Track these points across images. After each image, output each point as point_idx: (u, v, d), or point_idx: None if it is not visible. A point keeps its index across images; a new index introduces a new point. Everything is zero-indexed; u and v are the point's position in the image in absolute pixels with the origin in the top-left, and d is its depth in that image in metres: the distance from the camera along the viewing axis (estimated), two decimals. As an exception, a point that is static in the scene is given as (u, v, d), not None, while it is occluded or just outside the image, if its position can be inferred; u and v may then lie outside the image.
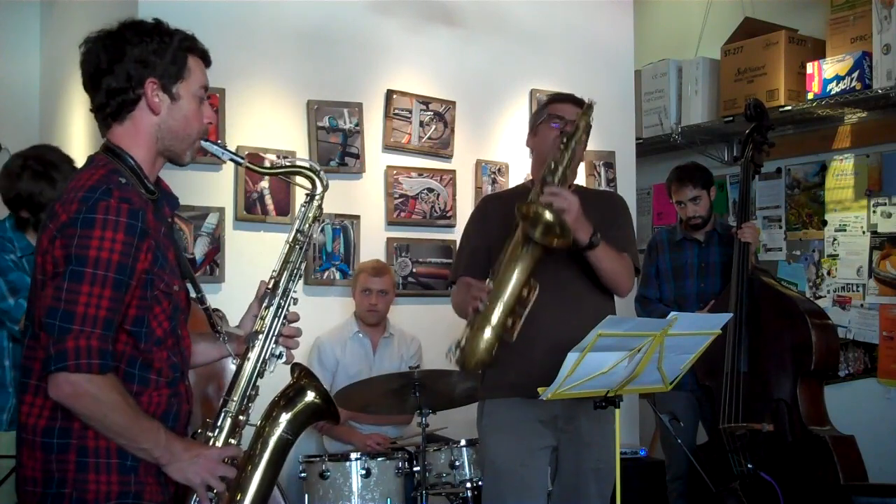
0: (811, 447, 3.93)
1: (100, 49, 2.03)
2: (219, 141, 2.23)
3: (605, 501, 3.11)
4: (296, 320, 2.27)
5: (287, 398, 2.29)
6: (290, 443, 2.25)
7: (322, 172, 2.32)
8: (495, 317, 2.77)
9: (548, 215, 2.73)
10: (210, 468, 2.01)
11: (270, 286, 2.24)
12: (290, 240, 2.28)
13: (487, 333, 2.77)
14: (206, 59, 2.13)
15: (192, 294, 2.22)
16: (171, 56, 2.04)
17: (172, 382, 2.05)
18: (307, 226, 2.28)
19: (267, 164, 4.22)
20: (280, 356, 2.22)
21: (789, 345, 4.05)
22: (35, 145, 3.43)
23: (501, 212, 3.12)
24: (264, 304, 2.23)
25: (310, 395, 2.29)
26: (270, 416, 2.25)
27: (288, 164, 2.28)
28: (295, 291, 2.26)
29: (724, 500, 3.91)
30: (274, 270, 2.26)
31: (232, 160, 2.23)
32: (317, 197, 2.29)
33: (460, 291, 3.11)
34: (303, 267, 2.30)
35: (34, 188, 3.17)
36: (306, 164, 2.33)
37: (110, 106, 2.04)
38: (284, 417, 2.25)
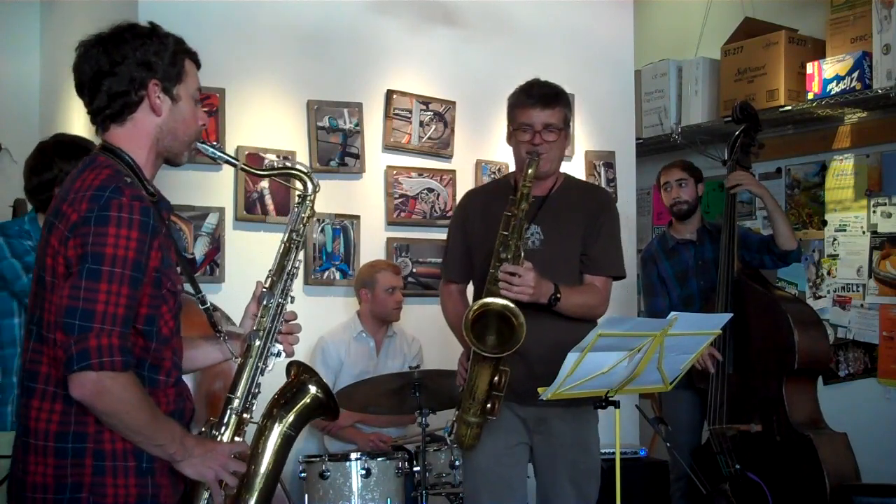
0: (797, 447, 3.93)
1: (100, 52, 2.03)
2: (215, 143, 2.26)
3: (588, 501, 3.11)
4: (293, 319, 2.30)
5: (287, 395, 2.33)
6: (292, 438, 2.31)
7: (312, 174, 2.39)
8: (473, 414, 2.93)
9: (498, 305, 2.81)
10: (222, 463, 2.04)
11: (267, 286, 2.27)
12: (285, 240, 2.32)
13: (470, 425, 2.96)
14: (197, 62, 2.16)
15: (193, 294, 2.23)
16: (169, 58, 2.06)
17: (177, 382, 2.07)
18: (301, 226, 2.33)
19: (266, 163, 4.25)
20: (278, 354, 2.25)
21: (773, 345, 4.04)
22: (60, 133, 3.43)
23: (481, 209, 3.17)
24: (263, 304, 2.25)
25: (311, 391, 2.35)
26: (272, 414, 2.30)
27: (281, 166, 2.34)
28: (292, 290, 2.30)
29: (714, 501, 3.91)
30: (270, 270, 2.29)
31: (227, 162, 2.29)
32: (308, 198, 2.35)
33: (446, 300, 3.29)
34: (299, 266, 2.34)
35: (66, 167, 3.18)
36: (298, 167, 2.40)
37: (111, 108, 2.05)
38: (286, 414, 2.30)
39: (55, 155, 3.16)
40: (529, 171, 2.90)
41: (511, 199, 2.92)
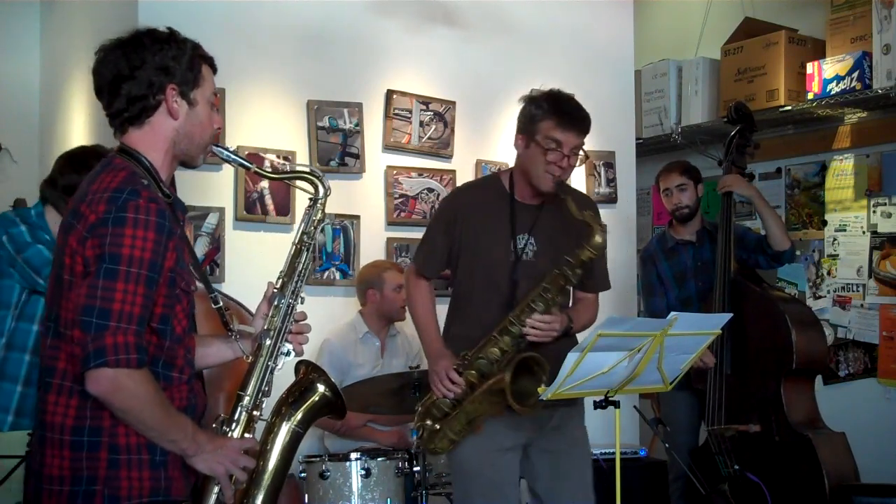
0: (796, 447, 3.94)
1: (119, 57, 2.08)
2: (228, 146, 2.31)
3: (588, 487, 3.15)
4: (303, 319, 2.34)
5: (296, 393, 2.39)
6: (300, 436, 2.37)
7: (324, 177, 2.43)
8: (458, 433, 3.00)
9: (539, 367, 2.89)
10: (233, 458, 2.10)
11: (278, 286, 2.32)
12: (296, 242, 2.37)
13: (453, 441, 3.03)
14: (213, 67, 2.21)
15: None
16: (187, 63, 2.11)
17: (190, 379, 2.12)
18: (312, 228, 2.39)
19: (267, 164, 4.26)
20: (288, 353, 2.30)
21: (770, 345, 4.04)
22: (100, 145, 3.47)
23: (471, 209, 3.17)
24: (274, 304, 2.30)
25: (318, 389, 2.41)
26: (280, 411, 2.36)
27: (296, 169, 2.39)
28: (302, 291, 2.34)
29: (713, 501, 3.91)
30: (281, 271, 2.34)
31: (241, 165, 2.35)
32: (319, 201, 2.40)
33: (416, 292, 3.24)
34: (309, 268, 2.38)
35: None
36: (309, 170, 2.45)
37: (130, 111, 2.10)
38: (294, 411, 2.36)
39: (94, 157, 3.19)
40: (597, 238, 2.94)
41: (567, 261, 2.96)
